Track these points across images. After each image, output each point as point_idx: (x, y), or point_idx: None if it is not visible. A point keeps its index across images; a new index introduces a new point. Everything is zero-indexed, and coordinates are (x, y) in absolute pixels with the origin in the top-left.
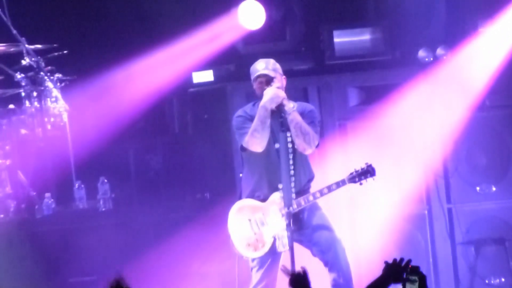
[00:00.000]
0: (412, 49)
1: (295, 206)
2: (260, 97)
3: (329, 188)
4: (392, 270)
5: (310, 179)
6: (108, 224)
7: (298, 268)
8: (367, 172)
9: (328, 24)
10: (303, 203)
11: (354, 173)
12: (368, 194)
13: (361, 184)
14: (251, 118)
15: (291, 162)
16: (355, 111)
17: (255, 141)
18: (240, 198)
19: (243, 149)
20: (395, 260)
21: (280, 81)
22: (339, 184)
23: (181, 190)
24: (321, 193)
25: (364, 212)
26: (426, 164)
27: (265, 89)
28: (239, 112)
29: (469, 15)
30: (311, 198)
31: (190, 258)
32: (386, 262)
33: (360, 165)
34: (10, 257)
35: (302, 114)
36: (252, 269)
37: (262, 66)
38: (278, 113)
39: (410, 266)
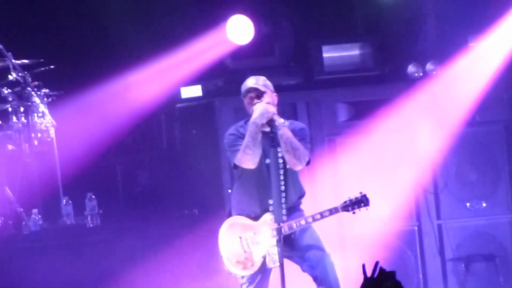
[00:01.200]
0: (402, 65)
1: (286, 229)
2: (250, 114)
3: (322, 215)
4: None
5: (301, 195)
6: (96, 240)
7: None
8: (361, 201)
9: (317, 39)
10: (294, 226)
11: (348, 201)
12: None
13: (354, 213)
14: (242, 136)
15: (281, 177)
16: (344, 126)
17: (247, 158)
18: (229, 214)
19: (236, 166)
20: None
21: (270, 97)
22: (332, 211)
23: (169, 206)
24: (314, 218)
25: (354, 227)
26: (416, 180)
27: (254, 104)
28: (231, 130)
29: (458, 30)
30: (303, 222)
31: (179, 274)
32: (364, 268)
33: (354, 194)
34: None
35: (293, 131)
36: (242, 285)
37: (253, 82)
38: (269, 129)
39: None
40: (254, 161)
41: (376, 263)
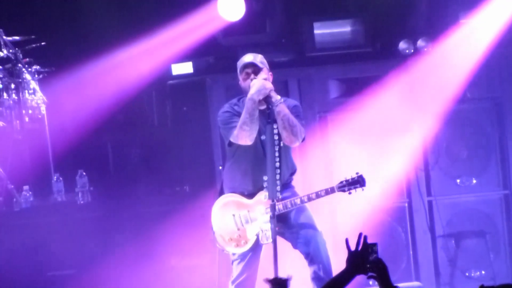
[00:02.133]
0: (393, 41)
1: (281, 207)
2: (244, 90)
3: (318, 194)
4: (354, 262)
5: (293, 172)
6: (86, 217)
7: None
8: (357, 182)
9: (308, 15)
10: (289, 205)
11: (344, 182)
12: None
13: (350, 193)
14: (237, 114)
15: (276, 154)
16: (336, 103)
17: (245, 134)
18: (221, 192)
19: (231, 144)
20: (356, 249)
21: (267, 74)
22: (328, 191)
23: (160, 183)
24: (309, 198)
25: (344, 204)
26: (406, 157)
27: (251, 80)
28: (225, 107)
29: (450, 6)
30: (298, 201)
31: (170, 251)
32: (347, 242)
33: (350, 175)
34: None
35: (288, 108)
36: (233, 262)
37: (250, 58)
38: (265, 105)
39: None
40: (252, 137)
41: (359, 235)
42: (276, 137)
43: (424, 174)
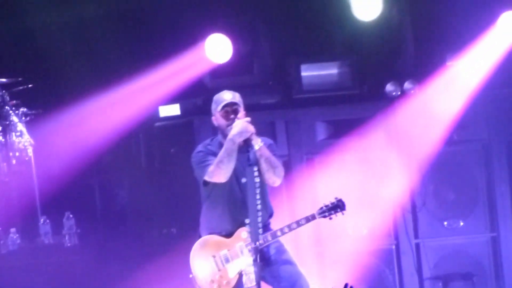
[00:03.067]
0: (380, 83)
1: (261, 241)
2: (220, 127)
3: (298, 223)
4: None
5: (271, 214)
6: (73, 259)
7: None
8: (337, 206)
9: (295, 57)
10: (270, 238)
11: (324, 207)
12: (335, 228)
13: (330, 219)
14: (211, 153)
15: (258, 197)
16: (323, 145)
17: (221, 172)
18: (199, 236)
19: (206, 183)
20: None
21: (243, 114)
22: (309, 218)
23: (147, 225)
24: (290, 228)
25: (332, 246)
26: (393, 199)
27: (230, 119)
28: (199, 148)
29: (436, 49)
30: (279, 233)
31: None
32: None
33: (329, 200)
34: None
35: (269, 147)
36: None
37: (230, 96)
38: (244, 147)
39: None
40: (226, 176)
41: (345, 286)
42: (257, 180)
43: (411, 216)
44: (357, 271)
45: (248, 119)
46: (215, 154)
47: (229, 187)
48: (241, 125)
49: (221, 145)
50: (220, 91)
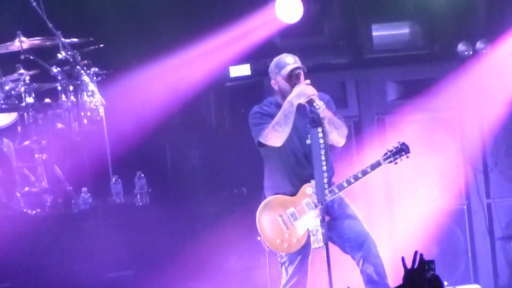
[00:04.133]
0: (452, 43)
1: (328, 194)
2: (285, 92)
3: (364, 172)
4: (411, 280)
5: (332, 174)
6: (145, 219)
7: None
8: (402, 150)
9: (366, 17)
10: (336, 190)
11: (389, 152)
12: (406, 188)
13: (396, 163)
14: (268, 114)
15: (323, 158)
16: (394, 105)
17: (276, 135)
18: (264, 195)
19: (261, 144)
20: (412, 267)
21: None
22: (374, 166)
23: (218, 185)
24: (355, 177)
25: (403, 206)
26: (465, 159)
27: (294, 83)
28: (255, 108)
29: (509, 8)
30: (345, 184)
31: (227, 253)
32: (403, 260)
33: (392, 145)
34: (48, 252)
35: (328, 104)
36: (282, 264)
37: (292, 60)
38: (307, 108)
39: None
40: (282, 139)
41: (415, 253)
42: (321, 141)
43: (483, 176)
44: (428, 231)
45: (308, 81)
46: (272, 116)
47: (292, 148)
48: (301, 88)
49: (278, 106)
50: (290, 51)
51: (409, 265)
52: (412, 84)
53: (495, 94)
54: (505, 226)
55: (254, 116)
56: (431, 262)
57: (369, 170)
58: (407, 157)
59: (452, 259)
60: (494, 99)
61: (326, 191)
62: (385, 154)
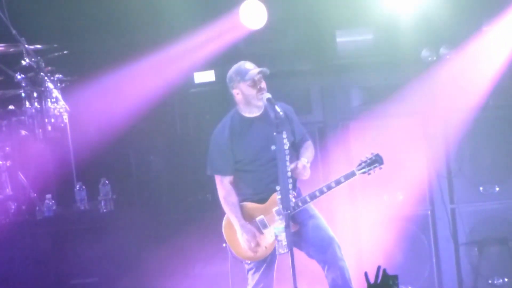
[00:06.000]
0: (415, 49)
1: (300, 204)
2: (250, 98)
3: (337, 182)
4: None
5: (296, 179)
6: (109, 225)
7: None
8: (375, 161)
9: (330, 24)
10: (308, 199)
11: (363, 163)
12: (370, 194)
13: (369, 174)
14: (227, 147)
15: (287, 163)
16: (358, 111)
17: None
18: None
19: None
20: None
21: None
22: (348, 176)
23: (182, 191)
24: (328, 187)
25: (367, 212)
26: (429, 164)
27: (259, 88)
28: (217, 135)
29: (473, 14)
30: (317, 193)
31: (192, 259)
32: (366, 276)
33: (365, 156)
34: (11, 259)
35: (289, 115)
36: (248, 271)
37: (252, 65)
38: (269, 115)
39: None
40: None
41: (378, 268)
42: (286, 147)
43: (447, 181)
44: (392, 236)
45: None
46: (236, 135)
47: (256, 154)
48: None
49: (242, 121)
50: (254, 57)
51: (372, 280)
52: (376, 90)
53: (459, 100)
54: (469, 232)
55: (213, 146)
56: (395, 277)
57: (342, 180)
58: (380, 168)
59: (416, 265)
60: (458, 105)
61: (297, 201)
62: (360, 164)
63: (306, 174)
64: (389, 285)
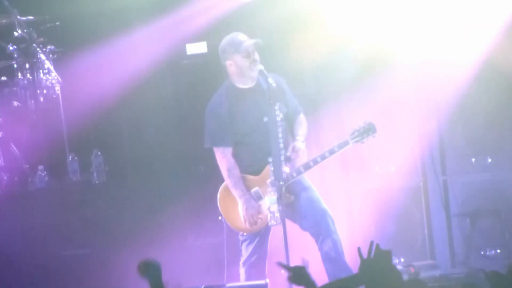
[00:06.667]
0: None
1: (294, 174)
2: (244, 69)
3: (331, 151)
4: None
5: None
6: (101, 196)
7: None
8: (369, 129)
9: None
10: (303, 170)
11: (356, 132)
12: (363, 166)
13: (363, 142)
14: (223, 116)
15: (280, 135)
16: (350, 83)
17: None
18: None
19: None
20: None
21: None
22: (341, 145)
23: (175, 163)
24: (322, 156)
25: (359, 184)
26: (421, 136)
27: (252, 60)
28: (212, 107)
29: None
30: (311, 164)
31: (185, 231)
32: (359, 251)
33: (358, 124)
34: (3, 231)
35: (282, 86)
36: (242, 243)
37: (245, 37)
38: (262, 86)
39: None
40: None
41: (371, 244)
42: (278, 118)
43: (439, 153)
44: (385, 208)
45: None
46: (228, 108)
47: (250, 126)
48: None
49: (236, 91)
50: (248, 30)
51: (365, 255)
52: (368, 62)
53: (450, 71)
54: (461, 203)
55: (209, 118)
56: (388, 252)
57: (336, 149)
58: (374, 136)
59: (408, 236)
60: (450, 76)
61: (291, 172)
62: (353, 133)
63: (303, 158)
64: (382, 260)
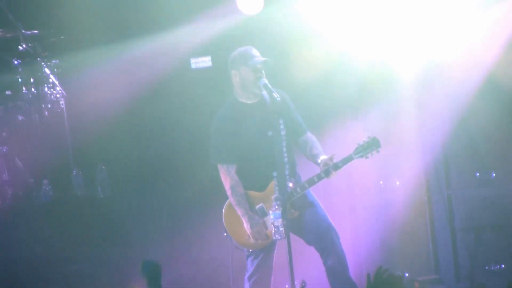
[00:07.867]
0: None
1: (298, 190)
2: (248, 83)
3: (335, 167)
4: None
5: (296, 165)
6: (106, 211)
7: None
8: (372, 144)
9: None
10: (307, 185)
11: (360, 147)
12: (367, 180)
13: (367, 158)
14: (228, 132)
15: (284, 149)
16: (354, 98)
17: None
18: None
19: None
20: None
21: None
22: (345, 160)
23: (180, 177)
24: (326, 172)
25: (364, 199)
26: (425, 151)
27: (259, 75)
28: (216, 123)
29: None
30: (316, 179)
31: (190, 244)
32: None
33: (362, 139)
34: (8, 245)
35: (287, 101)
36: (247, 257)
37: (258, 52)
38: (267, 100)
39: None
40: None
41: (379, 268)
42: (283, 132)
43: (443, 167)
44: (389, 222)
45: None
46: (234, 122)
47: (255, 141)
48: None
49: (240, 106)
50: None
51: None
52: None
53: (455, 86)
54: (465, 218)
55: (214, 135)
56: (399, 277)
57: (340, 165)
58: (378, 151)
59: (413, 251)
60: (454, 91)
61: (295, 187)
62: (356, 148)
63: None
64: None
